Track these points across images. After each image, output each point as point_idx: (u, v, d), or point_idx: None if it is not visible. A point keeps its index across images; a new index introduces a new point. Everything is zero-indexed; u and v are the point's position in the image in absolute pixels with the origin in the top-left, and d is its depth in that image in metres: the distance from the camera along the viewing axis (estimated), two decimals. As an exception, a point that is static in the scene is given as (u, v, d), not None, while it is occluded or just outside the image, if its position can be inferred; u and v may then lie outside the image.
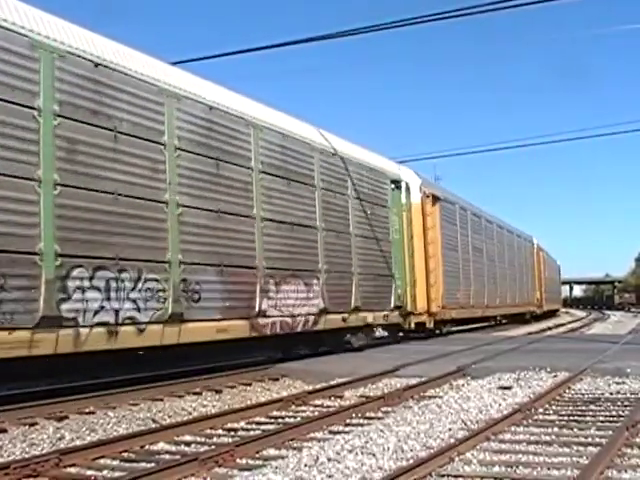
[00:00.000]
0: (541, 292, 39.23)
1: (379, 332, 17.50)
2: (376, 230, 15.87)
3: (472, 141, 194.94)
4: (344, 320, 13.97)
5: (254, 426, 7.38)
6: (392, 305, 16.17)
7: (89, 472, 5.56)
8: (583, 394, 8.73)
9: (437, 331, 20.56)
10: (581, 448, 5.81)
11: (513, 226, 34.15)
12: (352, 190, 14.94)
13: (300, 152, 13.18)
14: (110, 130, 9.13)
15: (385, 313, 15.81)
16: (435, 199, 20.15)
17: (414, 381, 9.84)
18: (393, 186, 16.98)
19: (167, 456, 6.00)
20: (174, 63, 11.52)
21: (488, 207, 34.65)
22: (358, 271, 14.77)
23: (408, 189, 17.73)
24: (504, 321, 31.52)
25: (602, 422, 6.91)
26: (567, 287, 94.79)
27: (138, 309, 9.32)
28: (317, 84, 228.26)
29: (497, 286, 27.96)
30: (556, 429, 6.61)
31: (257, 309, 11.52)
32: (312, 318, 12.96)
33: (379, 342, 16.86)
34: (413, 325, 17.65)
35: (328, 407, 8.46)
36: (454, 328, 23.33)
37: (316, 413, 7.94)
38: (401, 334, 18.39)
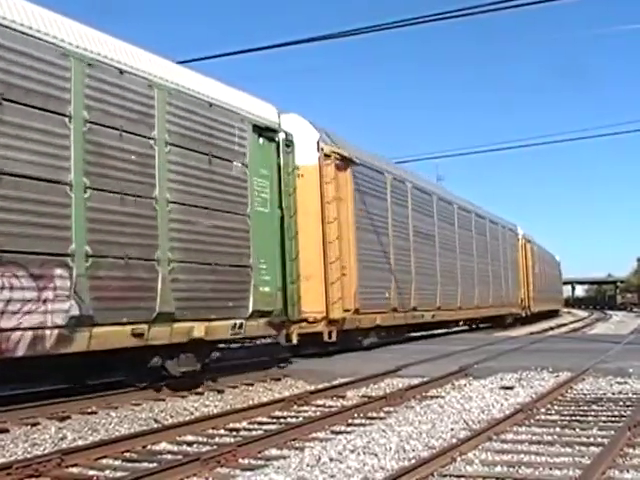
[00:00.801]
0: (528, 291, 33.15)
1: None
2: (217, 197, 10.25)
3: (474, 141, 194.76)
4: (139, 335, 8.75)
5: (256, 426, 7.39)
6: (250, 310, 10.69)
7: (91, 472, 5.57)
8: (585, 394, 8.74)
9: (360, 342, 15.28)
10: (583, 448, 5.82)
11: (488, 211, 28.07)
12: (164, 133, 9.40)
13: (34, 57, 7.82)
14: None
15: (236, 322, 10.43)
16: (346, 162, 14.61)
17: (416, 381, 9.85)
18: (261, 138, 11.43)
19: (169, 456, 6.01)
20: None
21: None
22: (172, 257, 9.34)
23: (291, 144, 12.02)
24: (466, 327, 26.02)
25: (604, 422, 6.92)
26: (569, 287, 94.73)
27: None
28: (318, 84, 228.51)
29: (457, 283, 21.82)
30: (558, 429, 6.61)
31: None
32: (54, 334, 7.74)
33: (230, 364, 12.31)
34: (295, 339, 12.27)
35: (330, 407, 8.46)
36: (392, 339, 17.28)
37: (318, 413, 7.95)
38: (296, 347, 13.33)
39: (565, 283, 71.43)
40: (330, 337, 13.54)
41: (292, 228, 11.91)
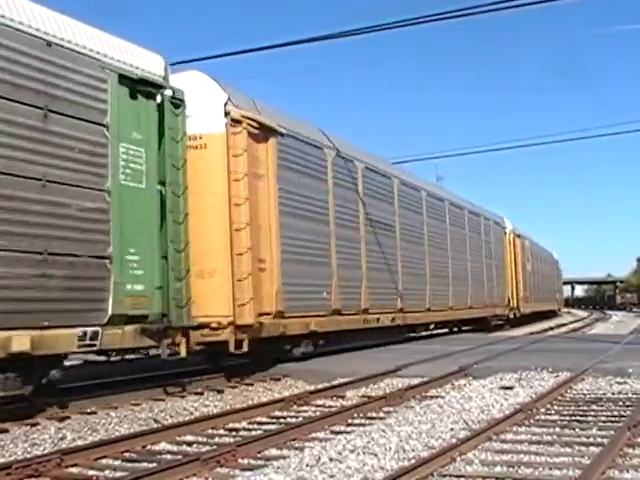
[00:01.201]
0: (517, 290, 30.13)
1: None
2: (57, 166, 7.85)
3: (474, 141, 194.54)
4: None
5: (256, 426, 7.39)
6: (109, 313, 8.23)
7: (91, 472, 5.58)
8: (585, 394, 8.74)
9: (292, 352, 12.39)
10: (583, 448, 5.82)
11: (468, 200, 24.95)
12: None
13: None
14: None
15: (86, 330, 7.97)
16: (266, 132, 11.76)
17: (416, 381, 9.84)
18: (136, 94, 8.95)
19: (169, 456, 6.01)
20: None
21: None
22: None
23: (181, 104, 9.57)
24: (446, 330, 23.26)
25: (604, 422, 6.92)
26: (569, 287, 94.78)
27: None
28: (319, 84, 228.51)
29: (426, 281, 18.91)
30: (558, 429, 6.61)
31: None
32: None
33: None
34: (184, 351, 9.57)
35: (330, 407, 8.46)
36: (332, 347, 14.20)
37: (318, 413, 7.94)
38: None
39: (565, 283, 71.35)
40: (240, 347, 10.67)
41: (181, 210, 9.35)
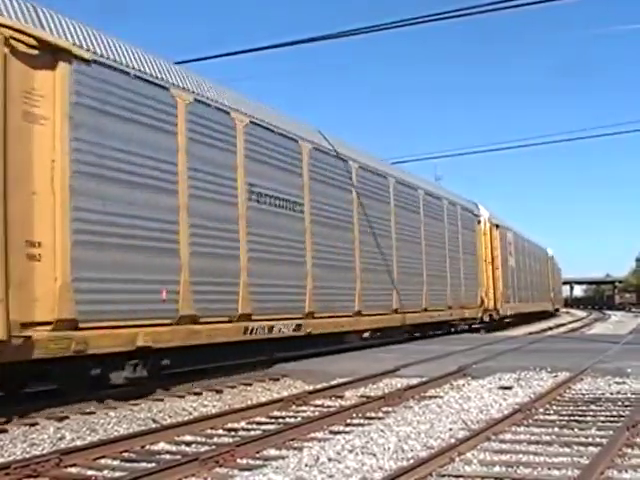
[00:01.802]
0: (494, 288, 25.75)
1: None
2: None
3: (474, 141, 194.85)
4: None
5: (255, 426, 7.38)
6: None
7: (90, 472, 5.57)
8: (584, 394, 8.74)
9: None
10: (582, 448, 5.81)
11: (428, 181, 21.86)
12: None
13: None
14: None
15: None
16: (55, 55, 8.18)
17: (415, 381, 9.85)
18: None
19: (168, 456, 6.01)
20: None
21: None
22: None
23: None
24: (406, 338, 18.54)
25: (603, 422, 6.92)
26: (567, 287, 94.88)
27: None
28: (318, 84, 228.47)
29: (356, 277, 14.97)
30: (557, 429, 6.61)
31: None
32: None
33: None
34: None
35: (329, 407, 8.46)
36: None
37: (317, 413, 7.94)
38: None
39: (564, 283, 71.39)
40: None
41: None
